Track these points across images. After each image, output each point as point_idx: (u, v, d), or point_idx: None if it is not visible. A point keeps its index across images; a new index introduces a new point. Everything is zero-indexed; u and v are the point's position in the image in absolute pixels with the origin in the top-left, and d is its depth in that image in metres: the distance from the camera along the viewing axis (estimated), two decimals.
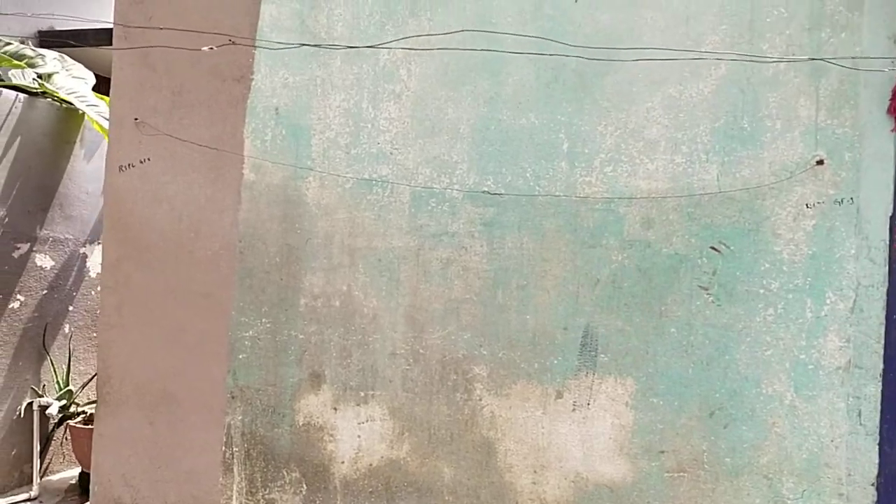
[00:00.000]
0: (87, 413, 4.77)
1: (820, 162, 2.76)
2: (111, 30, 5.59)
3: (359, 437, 3.31)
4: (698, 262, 2.90)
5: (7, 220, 4.35)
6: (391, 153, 3.27)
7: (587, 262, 3.02)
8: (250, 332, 3.45)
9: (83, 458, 4.65)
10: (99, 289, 4.89)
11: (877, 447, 2.71)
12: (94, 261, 4.94)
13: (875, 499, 2.72)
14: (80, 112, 4.70)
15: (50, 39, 5.81)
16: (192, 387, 3.54)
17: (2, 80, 4.34)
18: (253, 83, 3.45)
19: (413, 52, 3.23)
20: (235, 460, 3.47)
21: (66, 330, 4.79)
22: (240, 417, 3.46)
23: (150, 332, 3.60)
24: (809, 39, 2.80)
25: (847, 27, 2.76)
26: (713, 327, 2.88)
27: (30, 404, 4.59)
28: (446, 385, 3.19)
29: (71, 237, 4.76)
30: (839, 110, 2.76)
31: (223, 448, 3.49)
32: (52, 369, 4.70)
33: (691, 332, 2.91)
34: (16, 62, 4.24)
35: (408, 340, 3.24)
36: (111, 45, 5.38)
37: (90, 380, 4.90)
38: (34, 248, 4.54)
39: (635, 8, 2.99)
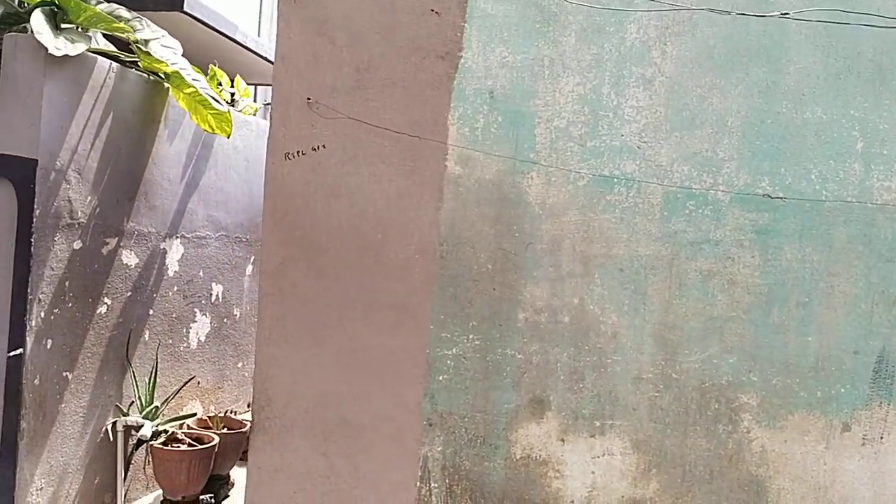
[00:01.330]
0: (168, 432, 4.17)
1: None
2: None
3: (593, 473, 2.88)
4: None
5: (98, 210, 3.71)
6: (639, 147, 2.83)
7: (884, 278, 2.67)
8: (454, 350, 2.96)
9: (167, 483, 4.07)
10: (176, 289, 4.31)
11: None
12: (172, 258, 4.32)
13: None
14: (166, 86, 4.08)
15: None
16: (377, 412, 3.03)
17: (92, 47, 3.67)
18: (461, 61, 2.95)
19: (669, 30, 2.80)
20: (434, 498, 2.99)
21: (146, 337, 4.16)
22: (440, 448, 2.98)
23: (322, 348, 3.07)
24: None
25: None
26: None
27: (114, 424, 3.96)
28: (705, 415, 2.79)
29: (154, 230, 4.13)
30: None
31: (418, 484, 3.00)
32: (133, 384, 4.07)
33: None
34: (116, 24, 3.59)
35: (657, 363, 2.82)
36: (180, 8, 4.74)
37: (175, 393, 4.29)
38: (121, 244, 3.90)
39: None
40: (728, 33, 2.76)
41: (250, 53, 5.52)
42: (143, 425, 3.90)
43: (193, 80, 3.87)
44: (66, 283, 3.52)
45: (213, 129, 4.11)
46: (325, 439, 3.08)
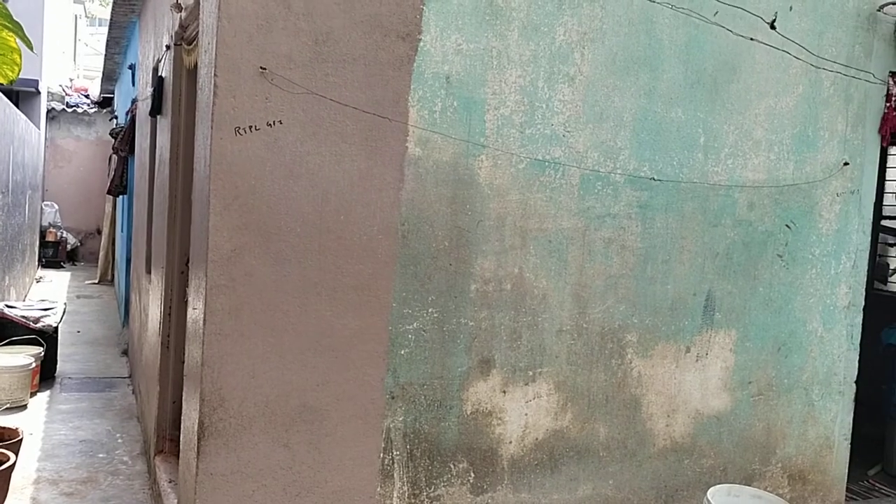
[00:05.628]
0: None
1: (846, 163, 3.89)
2: None
3: (526, 415, 3.35)
4: (778, 236, 3.79)
5: None
6: (564, 135, 3.29)
7: (712, 238, 3.64)
8: (414, 325, 3.11)
9: None
10: None
11: (857, 358, 4.06)
12: None
13: (854, 391, 4.08)
14: None
15: None
16: (340, 395, 3.02)
17: None
18: (421, 44, 3.01)
19: (587, 36, 3.28)
20: (396, 465, 3.14)
21: None
22: (401, 418, 3.13)
23: (281, 338, 2.91)
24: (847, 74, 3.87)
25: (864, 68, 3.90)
26: (783, 285, 3.83)
27: None
28: (604, 354, 3.47)
29: None
30: (856, 127, 3.91)
31: (381, 455, 3.11)
32: None
33: (771, 289, 3.80)
34: None
35: (573, 317, 3.39)
36: None
37: None
38: None
39: (753, 31, 3.61)
40: (626, 43, 3.36)
41: None
42: None
43: None
44: None
45: None
46: (286, 430, 2.96)
